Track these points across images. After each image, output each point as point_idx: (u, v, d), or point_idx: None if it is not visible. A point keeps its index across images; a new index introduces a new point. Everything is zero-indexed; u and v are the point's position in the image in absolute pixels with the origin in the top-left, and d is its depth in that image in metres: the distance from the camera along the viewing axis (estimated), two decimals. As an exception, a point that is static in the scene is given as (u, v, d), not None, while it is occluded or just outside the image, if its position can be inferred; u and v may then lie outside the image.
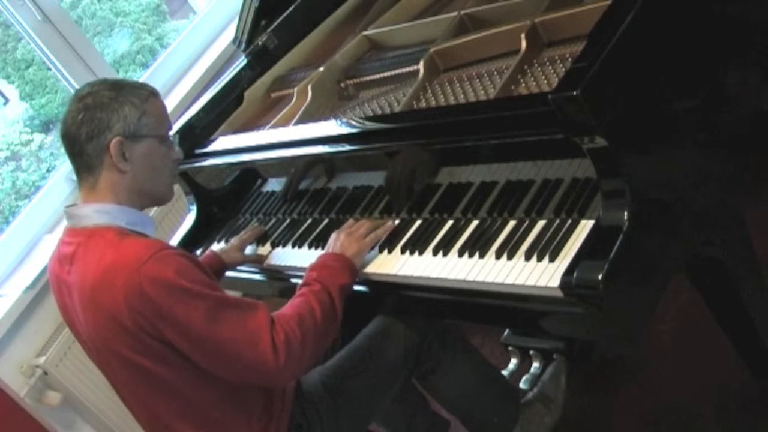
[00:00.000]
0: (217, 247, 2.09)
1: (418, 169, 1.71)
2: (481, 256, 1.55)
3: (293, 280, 1.92)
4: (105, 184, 1.57)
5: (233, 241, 2.04)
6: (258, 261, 2.00)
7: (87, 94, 1.57)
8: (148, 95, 1.60)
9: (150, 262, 1.45)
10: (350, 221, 1.82)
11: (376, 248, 1.75)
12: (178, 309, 1.45)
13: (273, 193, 2.13)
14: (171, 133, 1.68)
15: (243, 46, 2.46)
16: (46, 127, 3.20)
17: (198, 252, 2.22)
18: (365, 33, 2.19)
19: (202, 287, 1.48)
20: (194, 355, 1.51)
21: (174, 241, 2.27)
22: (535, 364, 2.08)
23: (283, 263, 1.95)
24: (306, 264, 1.87)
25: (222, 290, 1.54)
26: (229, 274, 2.04)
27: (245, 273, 2.05)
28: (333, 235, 1.77)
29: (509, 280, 1.46)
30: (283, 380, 1.60)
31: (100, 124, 1.54)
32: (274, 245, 2.02)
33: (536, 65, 1.66)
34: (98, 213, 1.57)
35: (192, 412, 1.59)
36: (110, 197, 1.58)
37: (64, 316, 1.69)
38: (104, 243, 1.52)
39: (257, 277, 2.04)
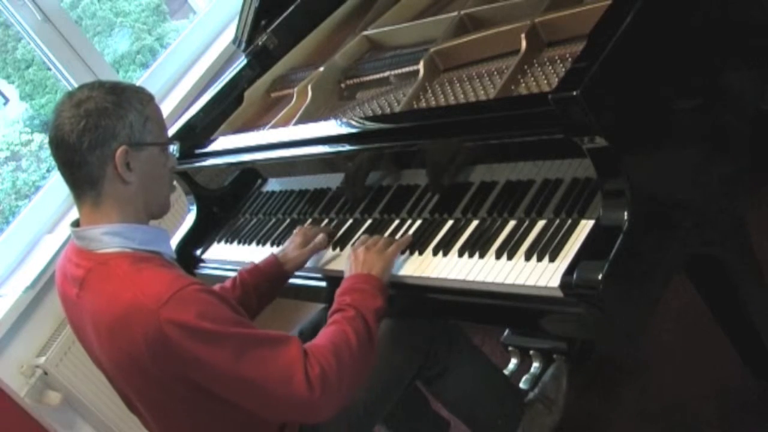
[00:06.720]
0: (226, 247, 2.04)
1: (420, 168, 1.71)
2: (481, 256, 1.55)
3: (293, 280, 1.92)
4: (109, 199, 1.49)
5: (295, 238, 1.88)
6: (321, 246, 1.85)
7: (86, 98, 1.46)
8: (149, 99, 1.53)
9: (170, 304, 1.37)
10: (363, 237, 1.74)
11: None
12: (203, 353, 1.38)
13: (273, 193, 2.13)
14: (170, 139, 1.61)
15: (243, 46, 2.46)
16: (46, 127, 3.20)
17: (198, 252, 2.22)
18: (365, 33, 2.19)
19: (226, 326, 1.40)
20: (226, 395, 1.45)
21: (174, 241, 2.26)
22: (535, 364, 2.09)
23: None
24: (308, 264, 1.88)
25: (250, 324, 1.46)
26: (221, 273, 2.03)
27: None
28: (350, 254, 1.68)
29: (509, 280, 1.46)
30: (321, 415, 1.47)
31: (105, 133, 1.45)
32: (273, 245, 2.02)
33: (536, 65, 1.66)
34: (109, 236, 1.48)
35: None
36: (116, 215, 1.49)
37: (75, 332, 1.64)
38: (119, 276, 1.44)
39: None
